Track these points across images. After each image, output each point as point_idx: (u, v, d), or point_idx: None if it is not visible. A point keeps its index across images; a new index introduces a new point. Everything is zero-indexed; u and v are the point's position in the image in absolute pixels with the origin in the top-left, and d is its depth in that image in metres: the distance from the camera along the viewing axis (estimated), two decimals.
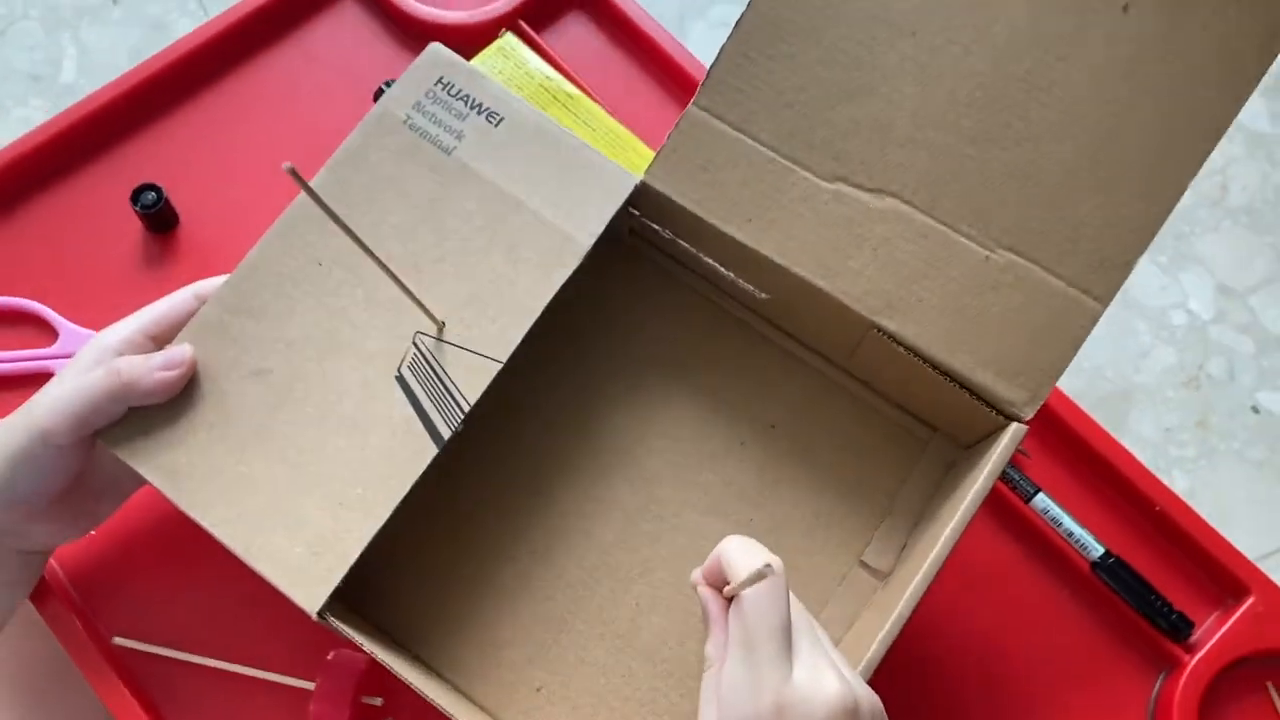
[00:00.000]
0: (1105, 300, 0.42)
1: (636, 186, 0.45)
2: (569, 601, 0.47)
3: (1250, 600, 0.53)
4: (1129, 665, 0.53)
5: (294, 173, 0.27)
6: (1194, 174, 0.40)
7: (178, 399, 0.42)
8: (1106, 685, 0.53)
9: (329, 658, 0.47)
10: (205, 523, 0.41)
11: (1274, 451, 1.11)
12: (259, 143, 0.61)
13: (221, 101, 0.62)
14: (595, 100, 0.59)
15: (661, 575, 0.47)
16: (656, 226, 0.48)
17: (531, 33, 0.62)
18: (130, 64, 1.25)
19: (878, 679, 0.40)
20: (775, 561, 0.37)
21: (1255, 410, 1.12)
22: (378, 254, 0.38)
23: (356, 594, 0.45)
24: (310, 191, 0.30)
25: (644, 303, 0.51)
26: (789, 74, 0.43)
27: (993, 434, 0.44)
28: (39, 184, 0.59)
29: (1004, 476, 0.53)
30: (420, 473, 0.41)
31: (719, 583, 0.40)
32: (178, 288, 0.48)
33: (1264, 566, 1.02)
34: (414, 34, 0.64)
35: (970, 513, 0.41)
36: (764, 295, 0.48)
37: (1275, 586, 0.53)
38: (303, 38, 0.63)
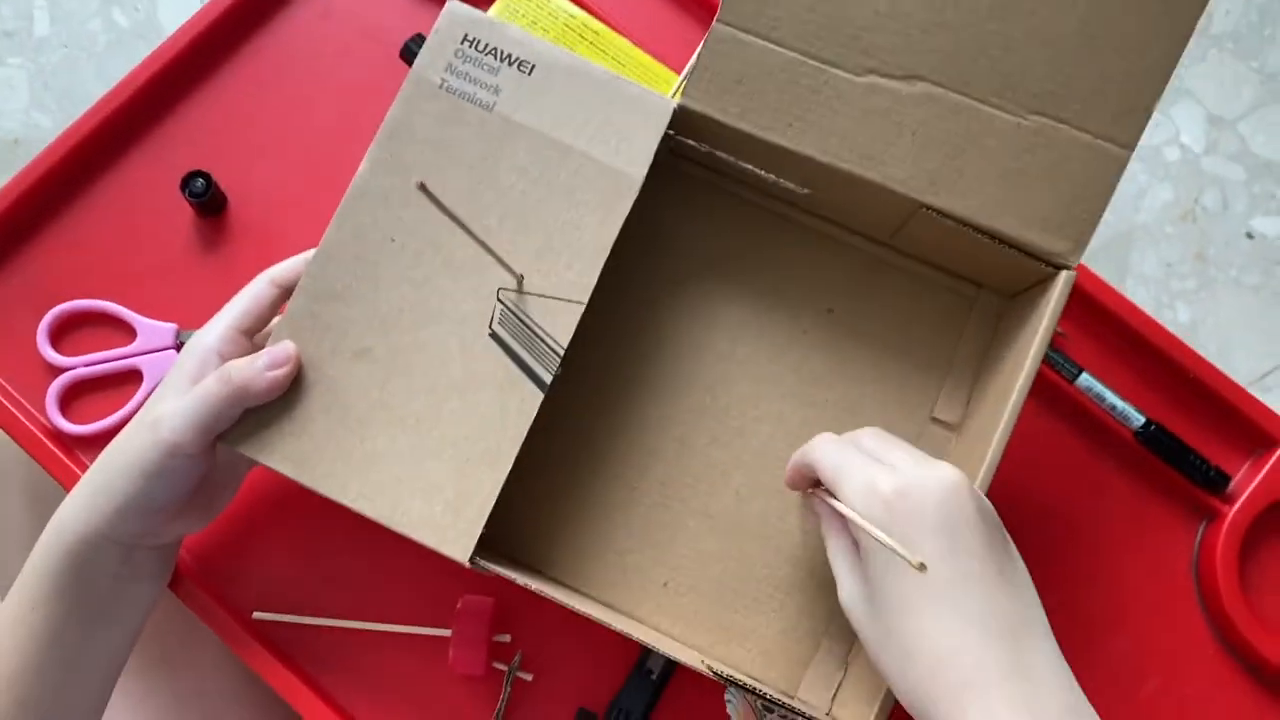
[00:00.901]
0: (1131, 145, 0.45)
1: (675, 110, 0.47)
2: (676, 502, 0.51)
3: None
4: (1173, 518, 0.58)
5: (424, 189, 0.29)
6: (1199, 13, 0.43)
7: (289, 391, 0.45)
8: (1154, 538, 0.57)
9: (459, 606, 0.51)
10: (345, 501, 0.44)
11: (1268, 275, 1.15)
12: (291, 111, 0.61)
13: (245, 74, 0.61)
14: (622, 33, 0.60)
15: (754, 463, 0.52)
16: (693, 142, 0.50)
17: None
18: (102, 8, 1.20)
19: None
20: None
21: (1249, 236, 1.16)
22: (447, 219, 0.40)
23: (490, 533, 0.49)
24: (441, 207, 0.32)
25: (689, 214, 0.54)
26: None
27: (1038, 284, 0.48)
28: (83, 184, 0.59)
29: (1048, 359, 0.57)
30: (532, 419, 0.45)
31: (803, 482, 0.46)
32: (239, 269, 0.50)
33: (1264, 385, 1.07)
34: None
35: (1037, 359, 0.45)
36: (805, 190, 0.50)
37: None
38: None
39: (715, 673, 0.43)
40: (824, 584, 0.51)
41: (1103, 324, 0.59)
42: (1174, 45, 0.44)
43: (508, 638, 0.53)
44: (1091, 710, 0.39)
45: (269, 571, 0.55)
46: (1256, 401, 0.58)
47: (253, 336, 0.48)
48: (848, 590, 0.43)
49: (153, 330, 0.56)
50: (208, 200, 0.57)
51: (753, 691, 0.44)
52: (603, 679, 0.53)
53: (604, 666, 0.53)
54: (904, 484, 0.39)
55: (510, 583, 0.44)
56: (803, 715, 0.45)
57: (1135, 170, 1.17)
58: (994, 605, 0.39)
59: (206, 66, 0.61)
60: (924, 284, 0.53)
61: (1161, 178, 1.18)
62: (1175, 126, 1.19)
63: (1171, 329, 1.02)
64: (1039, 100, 0.45)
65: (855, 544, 0.43)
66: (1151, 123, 1.22)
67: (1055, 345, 0.58)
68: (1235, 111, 1.20)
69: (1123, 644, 0.56)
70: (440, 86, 0.47)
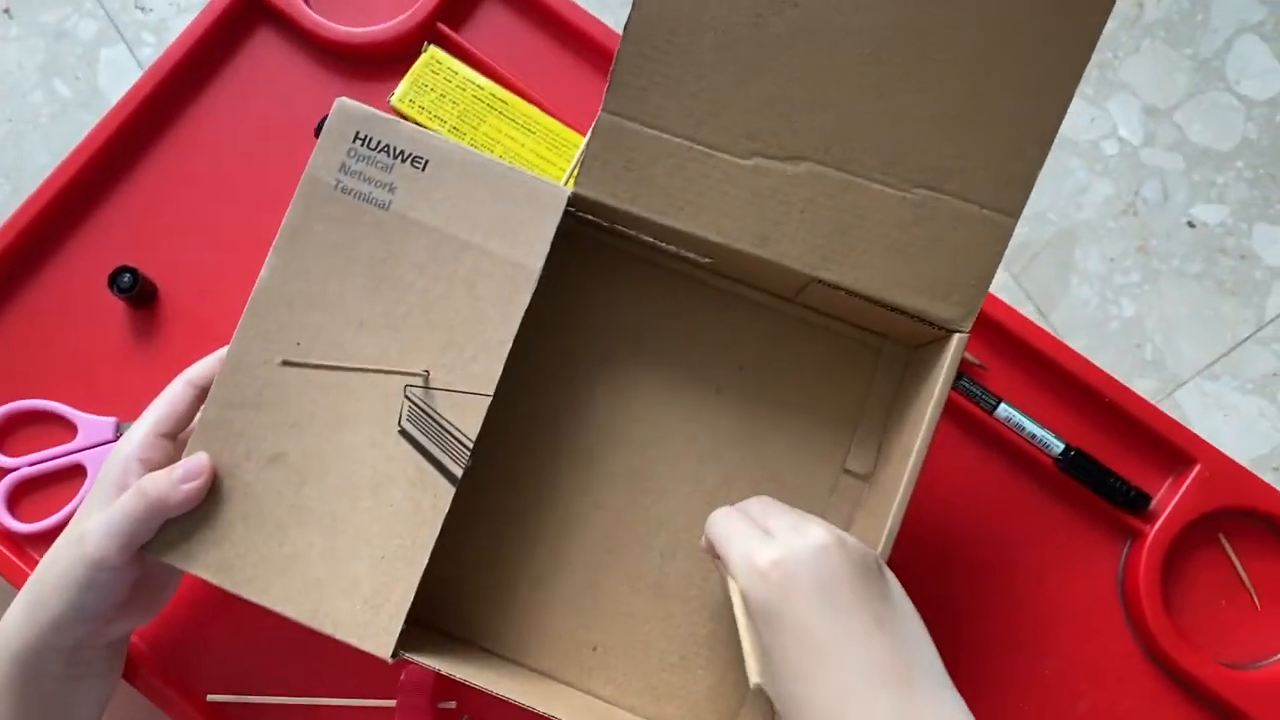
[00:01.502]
0: (1016, 213, 0.45)
1: (569, 197, 0.47)
2: (600, 567, 0.53)
3: (1197, 468, 0.58)
4: (1096, 540, 0.59)
5: (289, 363, 0.30)
6: (1075, 85, 0.43)
7: (207, 500, 0.46)
8: (1080, 560, 0.59)
9: (402, 678, 0.53)
10: (267, 604, 0.46)
11: (1210, 263, 1.15)
12: (215, 197, 0.61)
13: (168, 163, 0.62)
14: (530, 100, 0.60)
15: (676, 524, 0.53)
16: (594, 218, 0.51)
17: (452, 34, 0.61)
18: (42, 80, 1.20)
19: None
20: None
21: (1190, 225, 1.15)
22: (351, 322, 0.44)
23: (419, 611, 0.50)
24: (315, 367, 0.33)
25: (593, 281, 0.54)
26: (687, 64, 0.45)
27: (937, 341, 0.49)
28: (15, 286, 0.60)
29: (967, 392, 0.58)
30: (445, 512, 0.46)
31: (713, 552, 0.46)
32: (174, 358, 0.51)
33: (1211, 373, 1.08)
34: (335, 54, 0.63)
35: (933, 423, 0.46)
36: (707, 260, 0.51)
37: (1217, 452, 0.59)
38: (228, 79, 0.62)
39: None
40: None
41: (1019, 353, 0.60)
42: (1053, 114, 0.44)
43: (453, 704, 0.55)
44: None
45: (221, 652, 0.56)
46: (1173, 421, 0.59)
47: (175, 437, 0.49)
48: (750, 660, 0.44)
49: (93, 425, 0.58)
50: (136, 293, 0.57)
51: None
52: None
53: None
54: (778, 555, 0.41)
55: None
56: None
57: (1075, 167, 1.17)
58: (875, 657, 0.40)
59: (128, 160, 0.61)
60: (831, 337, 0.54)
61: (1101, 173, 1.17)
62: (1112, 120, 1.18)
63: (1116, 324, 1.05)
64: (922, 174, 0.45)
65: None
66: (1089, 117, 1.22)
67: (974, 378, 0.60)
68: (1171, 100, 1.19)
69: (1054, 665, 0.58)
70: (335, 187, 0.47)
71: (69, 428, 0.58)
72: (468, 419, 0.47)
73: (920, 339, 0.51)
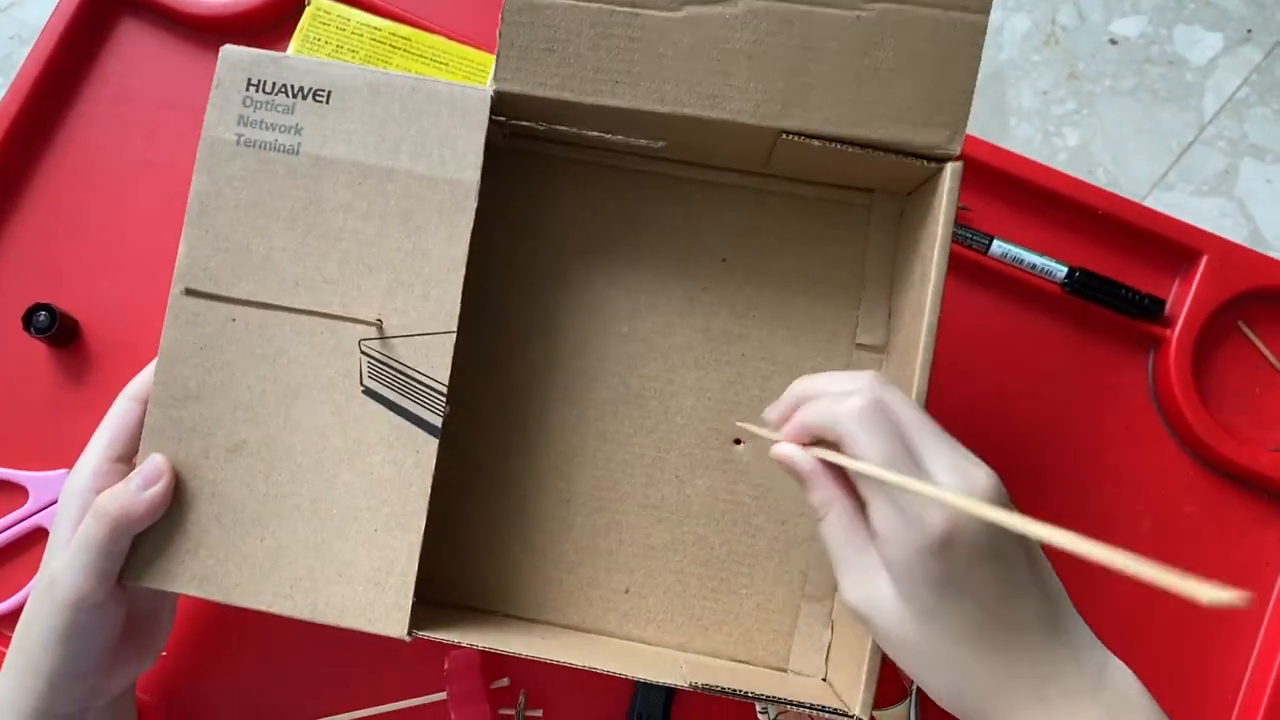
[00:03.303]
0: (986, 8, 0.40)
1: (492, 98, 0.43)
2: (614, 502, 0.48)
3: (1204, 259, 0.55)
4: (1121, 356, 0.56)
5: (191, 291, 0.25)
6: None
7: (172, 508, 0.41)
8: (1109, 380, 0.56)
9: (446, 666, 0.49)
10: (261, 606, 0.41)
11: (1141, 75, 1.14)
12: (117, 211, 0.56)
13: (58, 188, 0.56)
14: (434, 31, 0.55)
15: (685, 441, 0.48)
16: (529, 123, 0.46)
17: None
18: None
19: None
20: (865, 379, 0.37)
21: (1113, 42, 1.13)
22: (285, 283, 0.40)
23: (428, 591, 0.46)
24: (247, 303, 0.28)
25: (547, 196, 0.50)
26: None
27: (930, 179, 0.44)
28: None
29: (957, 237, 0.54)
30: (433, 469, 0.41)
31: (798, 438, 0.38)
32: (110, 390, 0.47)
33: (1166, 183, 1.06)
34: (211, 30, 0.57)
35: (942, 269, 0.41)
36: (660, 144, 0.46)
37: (1220, 239, 0.56)
38: (101, 85, 0.57)
39: (696, 686, 0.41)
40: (791, 544, 0.48)
41: (999, 184, 0.57)
42: None
43: (506, 681, 0.51)
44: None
45: (237, 689, 0.52)
46: (1168, 218, 0.57)
47: (131, 460, 0.44)
48: (863, 591, 0.37)
49: (44, 482, 0.53)
50: (56, 332, 0.53)
51: (747, 697, 0.41)
52: (612, 693, 0.51)
53: (611, 680, 0.50)
54: (948, 531, 0.34)
55: None
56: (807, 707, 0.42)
57: None
58: (1044, 600, 0.37)
59: (13, 194, 0.56)
60: (813, 205, 0.49)
61: (1014, 8, 1.15)
62: None
63: (1064, 155, 1.01)
64: None
65: (867, 526, 0.37)
66: None
67: (960, 221, 0.56)
68: None
69: (1109, 491, 0.55)
70: (238, 142, 0.43)
71: (18, 491, 0.53)
72: (435, 362, 0.42)
73: (911, 182, 0.46)
